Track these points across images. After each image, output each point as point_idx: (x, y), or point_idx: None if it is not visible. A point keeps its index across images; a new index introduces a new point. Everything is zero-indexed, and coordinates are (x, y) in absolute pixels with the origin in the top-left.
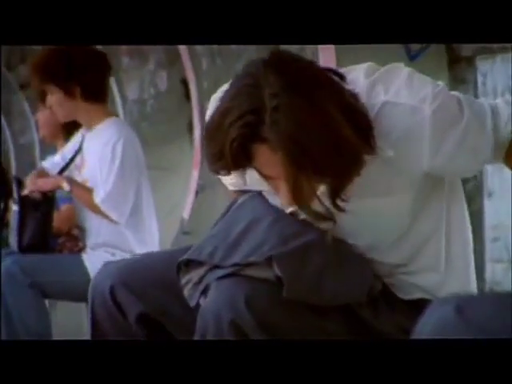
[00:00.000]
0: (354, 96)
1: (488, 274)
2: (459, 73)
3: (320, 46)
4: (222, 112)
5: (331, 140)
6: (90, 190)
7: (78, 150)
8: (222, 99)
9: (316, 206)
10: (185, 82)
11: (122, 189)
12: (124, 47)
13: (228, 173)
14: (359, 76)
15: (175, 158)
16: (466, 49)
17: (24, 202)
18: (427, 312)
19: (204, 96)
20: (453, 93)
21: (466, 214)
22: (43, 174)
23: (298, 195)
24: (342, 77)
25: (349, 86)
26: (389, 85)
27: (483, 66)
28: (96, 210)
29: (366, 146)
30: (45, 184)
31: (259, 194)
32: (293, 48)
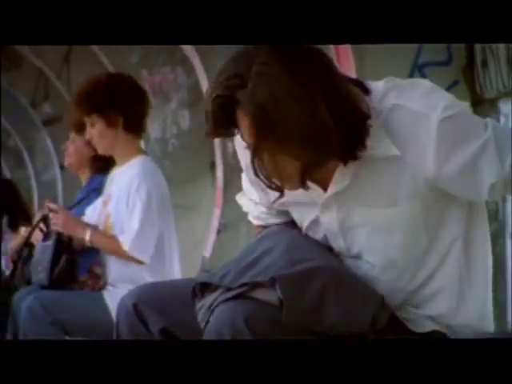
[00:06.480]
0: (353, 92)
1: (510, 317)
2: (482, 115)
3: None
4: (216, 75)
5: (303, 120)
6: (113, 238)
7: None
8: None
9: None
10: None
11: (148, 231)
12: (148, 88)
13: (213, 136)
14: (379, 83)
15: (197, 196)
16: (489, 91)
17: (59, 238)
18: None
19: None
20: (486, 119)
21: (488, 242)
22: (65, 213)
23: (259, 162)
24: (366, 90)
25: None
26: (404, 91)
27: (505, 107)
28: (122, 255)
29: (352, 141)
30: (67, 227)
31: (279, 226)
32: None
